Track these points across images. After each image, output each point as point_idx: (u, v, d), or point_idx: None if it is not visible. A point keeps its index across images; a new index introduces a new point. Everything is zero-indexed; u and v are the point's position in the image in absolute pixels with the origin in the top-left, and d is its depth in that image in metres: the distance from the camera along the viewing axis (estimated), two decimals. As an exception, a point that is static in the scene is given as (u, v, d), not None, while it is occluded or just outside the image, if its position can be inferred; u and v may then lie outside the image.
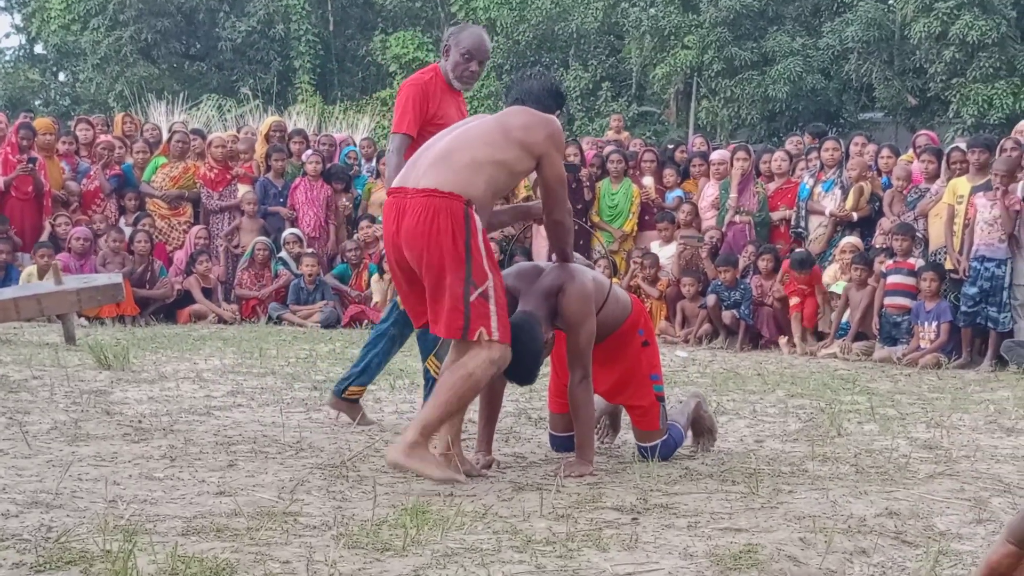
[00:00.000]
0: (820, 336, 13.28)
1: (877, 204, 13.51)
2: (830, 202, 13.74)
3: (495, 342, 5.39)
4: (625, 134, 19.46)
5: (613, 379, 6.25)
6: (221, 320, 14.56)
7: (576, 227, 6.13)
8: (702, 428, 6.63)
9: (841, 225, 13.64)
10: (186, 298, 14.80)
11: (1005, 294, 11.80)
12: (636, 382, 6.25)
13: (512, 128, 5.55)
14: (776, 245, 13.98)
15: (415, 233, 5.37)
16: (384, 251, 5.96)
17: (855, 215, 13.51)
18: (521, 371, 5.62)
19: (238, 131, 18.06)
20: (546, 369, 6.39)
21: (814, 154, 14.42)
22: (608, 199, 15.11)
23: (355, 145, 18.01)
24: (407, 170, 5.61)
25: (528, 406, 7.88)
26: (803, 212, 13.96)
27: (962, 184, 12.15)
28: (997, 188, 11.73)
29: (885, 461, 6.30)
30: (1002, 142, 12.39)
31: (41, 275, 13.07)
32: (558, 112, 5.88)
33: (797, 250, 13.53)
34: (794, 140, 16.16)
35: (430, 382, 6.66)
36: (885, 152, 14.20)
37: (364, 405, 7.30)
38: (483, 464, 5.82)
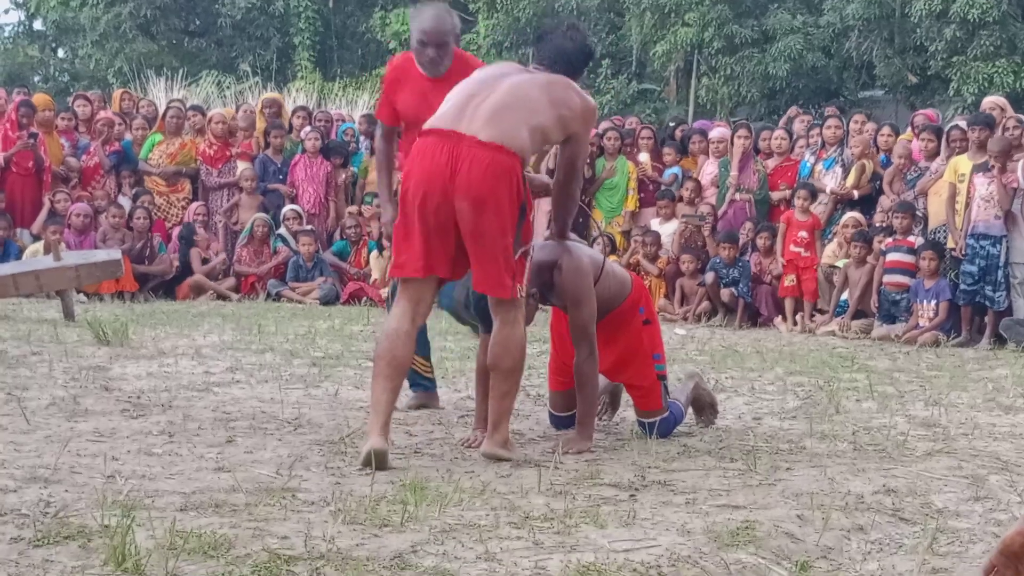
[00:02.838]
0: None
1: (877, 183, 13.50)
2: (831, 180, 13.74)
3: (523, 296, 5.54)
4: None
5: (614, 358, 6.25)
6: (220, 296, 14.55)
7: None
8: (703, 404, 6.65)
9: (841, 203, 13.63)
10: (184, 274, 14.79)
11: (1000, 273, 11.81)
12: (638, 361, 6.26)
13: (559, 103, 5.52)
14: (775, 224, 13.98)
15: (482, 188, 5.27)
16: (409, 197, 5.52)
17: (856, 193, 13.51)
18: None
19: (237, 109, 18.01)
20: (546, 346, 6.42)
21: (815, 131, 14.40)
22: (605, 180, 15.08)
23: (352, 122, 17.96)
24: (454, 112, 5.43)
25: (527, 383, 7.86)
26: (801, 190, 13.95)
27: (963, 162, 12.15)
28: (992, 167, 11.74)
29: (883, 439, 6.31)
30: (1003, 120, 12.40)
31: (47, 251, 13.06)
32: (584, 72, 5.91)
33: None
34: (806, 119, 15.95)
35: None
36: (885, 130, 14.18)
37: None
38: (480, 441, 5.82)
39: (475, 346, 6.75)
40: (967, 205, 12.02)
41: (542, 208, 12.97)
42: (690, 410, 6.60)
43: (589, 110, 5.70)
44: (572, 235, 6.19)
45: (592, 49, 6.07)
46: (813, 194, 13.49)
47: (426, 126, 5.55)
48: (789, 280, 13.25)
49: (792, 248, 13.39)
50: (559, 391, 6.37)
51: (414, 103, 6.51)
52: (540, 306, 6.08)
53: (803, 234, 13.37)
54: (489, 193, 5.28)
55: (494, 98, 5.43)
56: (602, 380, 6.45)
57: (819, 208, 13.73)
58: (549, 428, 6.41)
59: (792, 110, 16.03)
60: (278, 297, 14.62)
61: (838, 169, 13.76)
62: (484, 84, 5.56)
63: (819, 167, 13.94)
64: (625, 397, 6.66)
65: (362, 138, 17.08)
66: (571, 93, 5.60)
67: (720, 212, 14.34)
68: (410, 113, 6.52)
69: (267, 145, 15.91)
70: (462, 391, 7.55)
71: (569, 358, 6.12)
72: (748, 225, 14.00)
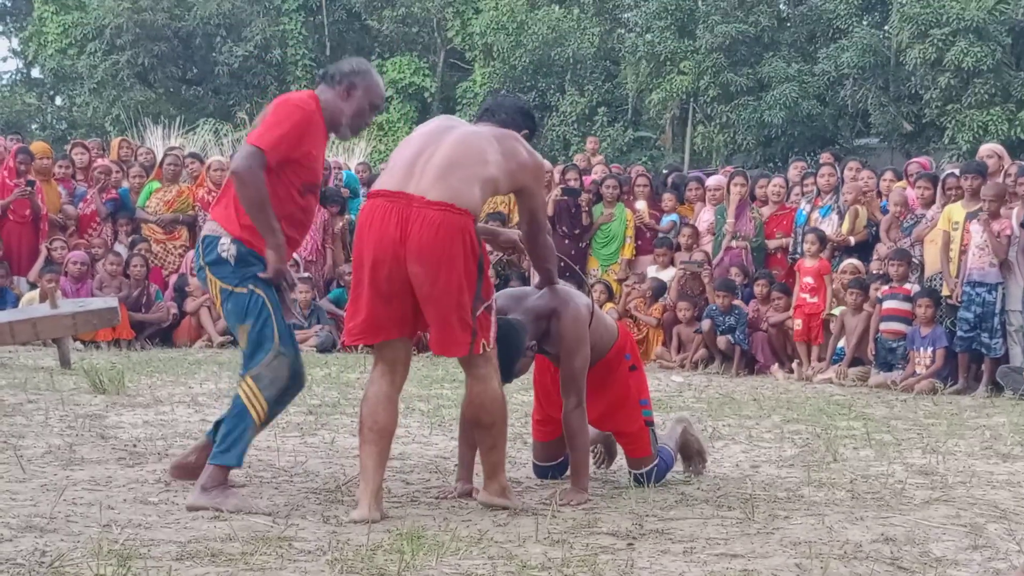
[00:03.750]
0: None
1: (874, 229, 13.52)
2: (827, 227, 13.74)
3: (493, 349, 5.47)
4: (600, 156, 19.44)
5: (603, 406, 6.22)
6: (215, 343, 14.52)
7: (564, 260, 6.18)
8: (691, 451, 6.62)
9: (839, 250, 13.64)
10: (179, 322, 14.77)
11: (996, 320, 11.81)
12: (626, 408, 6.24)
13: (508, 154, 5.49)
14: (772, 271, 13.99)
15: (433, 250, 5.20)
16: (361, 263, 5.28)
17: (852, 239, 13.52)
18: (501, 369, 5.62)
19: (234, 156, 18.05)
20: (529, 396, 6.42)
21: (810, 180, 14.43)
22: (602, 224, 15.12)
23: (350, 169, 18.04)
24: (402, 173, 5.36)
25: (523, 431, 7.86)
26: (800, 238, 13.94)
27: (956, 210, 12.17)
28: (982, 215, 11.77)
29: (881, 487, 6.30)
30: (1005, 167, 12.43)
31: (43, 299, 13.04)
32: (526, 132, 5.84)
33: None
34: (799, 166, 16.00)
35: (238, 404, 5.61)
36: (888, 176, 14.22)
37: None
38: (461, 492, 5.80)
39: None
40: (962, 253, 12.03)
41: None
42: (679, 457, 6.57)
43: (538, 165, 5.72)
44: (562, 281, 6.18)
45: (531, 110, 6.09)
46: (822, 239, 13.47)
47: (374, 187, 5.49)
48: (797, 324, 13.23)
49: (799, 294, 13.39)
50: (543, 441, 6.38)
51: (319, 157, 5.78)
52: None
53: (808, 280, 13.36)
54: (442, 253, 5.22)
55: (441, 154, 5.37)
56: (594, 430, 6.43)
57: (822, 254, 13.72)
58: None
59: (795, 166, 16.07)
60: (275, 344, 14.56)
61: (834, 216, 13.77)
62: (430, 139, 5.49)
63: (815, 215, 13.95)
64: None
65: (361, 185, 17.12)
66: (519, 147, 5.59)
67: (716, 260, 14.35)
68: (310, 167, 5.68)
69: (265, 192, 15.90)
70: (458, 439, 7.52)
71: (554, 409, 6.12)
72: (734, 270, 13.99)
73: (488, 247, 5.72)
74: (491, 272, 5.56)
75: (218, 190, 15.39)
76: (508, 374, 5.73)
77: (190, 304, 14.75)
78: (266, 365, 5.50)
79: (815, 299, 13.29)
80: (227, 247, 5.51)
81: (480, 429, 5.53)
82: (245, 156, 5.49)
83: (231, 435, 5.47)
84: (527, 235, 5.90)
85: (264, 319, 5.50)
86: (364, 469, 5.32)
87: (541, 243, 5.92)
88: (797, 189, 14.76)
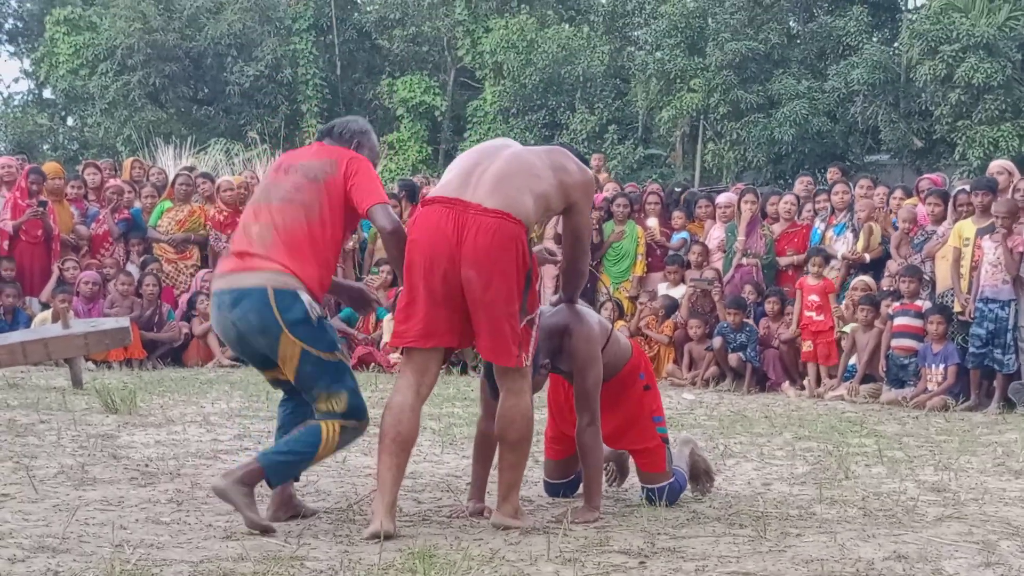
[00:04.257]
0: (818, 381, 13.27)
1: (888, 246, 13.51)
2: (842, 245, 13.75)
3: (529, 366, 5.50)
4: (604, 174, 19.45)
5: (615, 424, 6.24)
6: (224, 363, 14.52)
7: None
8: (699, 471, 6.61)
9: (854, 268, 13.64)
10: (190, 342, 14.79)
11: (1009, 336, 11.79)
12: (640, 426, 6.25)
13: (559, 168, 5.59)
14: (783, 288, 13.99)
15: (489, 255, 5.26)
16: (414, 266, 5.36)
17: (867, 256, 13.51)
18: None
19: (242, 174, 18.09)
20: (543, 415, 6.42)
21: (823, 197, 14.43)
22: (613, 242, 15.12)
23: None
24: (458, 182, 5.46)
25: (535, 449, 7.86)
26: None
27: (967, 227, 12.16)
28: (999, 231, 11.74)
29: (893, 504, 6.29)
30: (1014, 183, 12.41)
31: (55, 320, 13.07)
32: None
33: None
34: (804, 181, 15.98)
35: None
36: (898, 193, 14.23)
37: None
38: (472, 511, 5.80)
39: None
40: (973, 269, 12.02)
41: (549, 273, 13.03)
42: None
43: (588, 181, 5.75)
44: (580, 300, 6.20)
45: (587, 158, 6.17)
46: (827, 259, 13.50)
47: (430, 195, 5.56)
48: (807, 346, 13.23)
49: (805, 313, 13.38)
50: (555, 459, 6.39)
51: None
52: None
53: (814, 298, 13.35)
54: (496, 260, 5.28)
55: (496, 166, 5.47)
56: (606, 448, 6.43)
57: (832, 274, 13.71)
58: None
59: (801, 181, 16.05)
60: (286, 364, 14.54)
61: (849, 234, 13.77)
62: (485, 154, 5.61)
63: (829, 233, 13.96)
64: (633, 465, 6.64)
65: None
66: (569, 162, 5.67)
67: (727, 277, 14.35)
68: None
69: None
70: (470, 458, 7.53)
71: (567, 427, 6.13)
72: (748, 288, 14.00)
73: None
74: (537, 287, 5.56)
75: (230, 210, 15.54)
76: None
77: (197, 327, 14.75)
78: (354, 429, 5.48)
79: (821, 317, 13.29)
80: (313, 307, 5.40)
81: (505, 445, 5.54)
82: (388, 214, 5.52)
83: (292, 454, 5.38)
84: (568, 256, 5.91)
85: (354, 387, 5.49)
86: (381, 482, 5.30)
87: (580, 268, 5.95)
88: (808, 206, 14.74)
